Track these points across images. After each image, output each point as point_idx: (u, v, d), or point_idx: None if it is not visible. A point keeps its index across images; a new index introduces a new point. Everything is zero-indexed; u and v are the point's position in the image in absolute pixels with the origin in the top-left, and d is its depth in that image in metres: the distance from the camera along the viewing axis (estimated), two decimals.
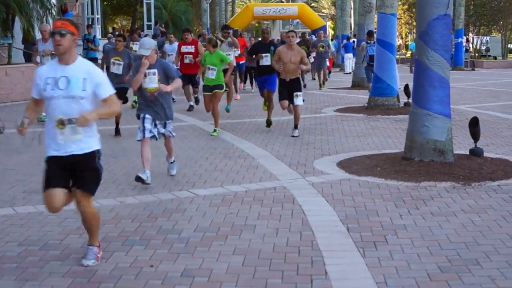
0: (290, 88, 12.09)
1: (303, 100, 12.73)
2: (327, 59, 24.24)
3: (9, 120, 13.55)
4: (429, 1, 8.99)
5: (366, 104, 16.55)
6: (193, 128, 13.20)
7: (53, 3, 19.17)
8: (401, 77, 19.46)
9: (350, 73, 28.97)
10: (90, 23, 24.99)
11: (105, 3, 56.53)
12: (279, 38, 28.37)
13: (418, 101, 9.32)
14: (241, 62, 19.46)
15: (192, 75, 15.84)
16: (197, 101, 16.69)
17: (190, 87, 16.28)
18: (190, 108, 16.20)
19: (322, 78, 23.58)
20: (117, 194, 7.74)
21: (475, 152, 9.62)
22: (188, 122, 14.22)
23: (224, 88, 12.76)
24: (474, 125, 9.94)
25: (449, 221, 6.55)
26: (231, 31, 16.79)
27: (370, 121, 14.29)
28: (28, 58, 20.86)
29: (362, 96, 18.96)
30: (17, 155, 10.38)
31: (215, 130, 12.36)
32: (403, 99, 16.36)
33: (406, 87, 15.61)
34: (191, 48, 15.84)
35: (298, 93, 12.05)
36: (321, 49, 23.38)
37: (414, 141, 9.26)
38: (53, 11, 18.96)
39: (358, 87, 22.75)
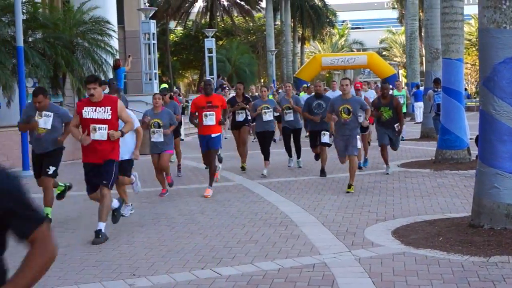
0: None
1: None
2: (357, 136, 11.65)
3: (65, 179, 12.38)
4: (494, 43, 7.72)
5: (433, 158, 15.16)
6: (238, 188, 12.12)
7: (104, 59, 18.67)
8: (474, 126, 17.97)
9: (420, 122, 27.50)
10: (148, 78, 24.54)
11: (174, 58, 57.08)
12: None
13: (485, 158, 8.00)
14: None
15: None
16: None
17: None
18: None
19: (351, 170, 11.62)
20: (129, 274, 6.68)
21: None
22: (236, 181, 13.19)
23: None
24: None
25: None
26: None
27: (437, 177, 12.90)
28: None
29: (430, 149, 17.52)
30: None
31: None
32: (475, 150, 14.87)
33: (478, 138, 14.14)
34: (103, 113, 8.23)
35: None
36: (344, 116, 11.54)
37: (482, 205, 7.90)
38: (104, 67, 18.45)
39: (427, 138, 21.36)
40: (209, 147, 11.49)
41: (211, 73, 33.81)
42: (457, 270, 6.44)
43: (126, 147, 9.23)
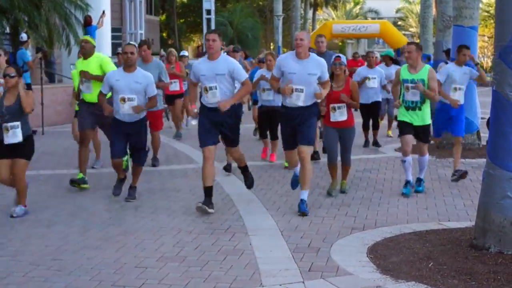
0: None
1: None
2: None
3: None
4: None
5: (436, 142, 13.07)
6: (199, 173, 9.96)
7: (74, 15, 16.59)
8: (486, 104, 15.84)
9: None
10: (133, 40, 22.49)
11: (181, 20, 54.75)
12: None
13: (496, 157, 5.98)
14: None
15: None
16: None
17: None
18: None
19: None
20: None
21: None
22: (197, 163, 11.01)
23: None
24: None
25: None
26: None
27: (438, 167, 10.85)
28: (51, 79, 18.48)
29: None
30: None
31: None
32: (486, 133, 12.78)
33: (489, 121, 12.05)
34: None
35: None
36: None
37: (490, 220, 5.91)
38: (72, 22, 16.37)
39: (433, 116, 19.24)
40: None
41: None
42: None
43: None
